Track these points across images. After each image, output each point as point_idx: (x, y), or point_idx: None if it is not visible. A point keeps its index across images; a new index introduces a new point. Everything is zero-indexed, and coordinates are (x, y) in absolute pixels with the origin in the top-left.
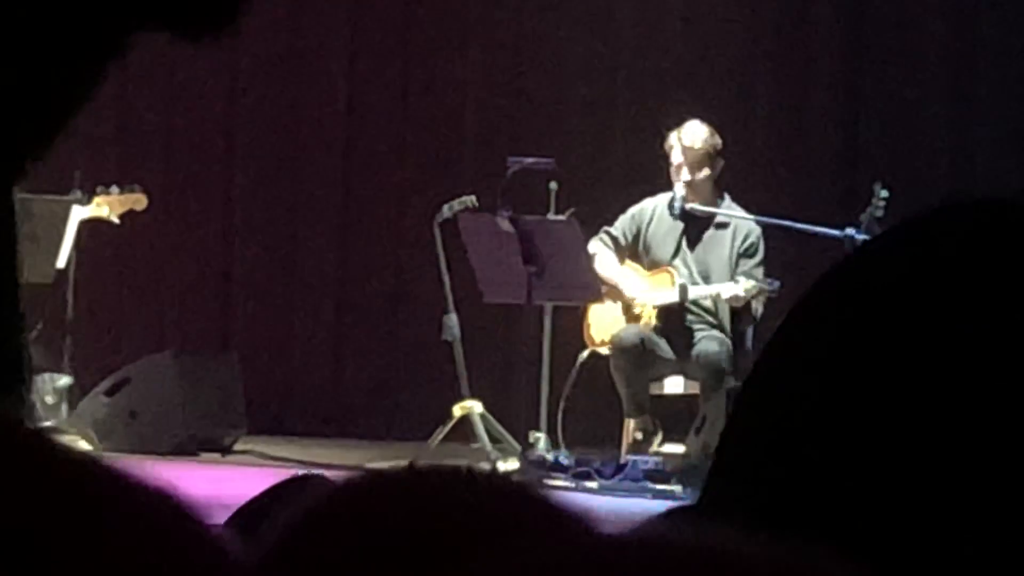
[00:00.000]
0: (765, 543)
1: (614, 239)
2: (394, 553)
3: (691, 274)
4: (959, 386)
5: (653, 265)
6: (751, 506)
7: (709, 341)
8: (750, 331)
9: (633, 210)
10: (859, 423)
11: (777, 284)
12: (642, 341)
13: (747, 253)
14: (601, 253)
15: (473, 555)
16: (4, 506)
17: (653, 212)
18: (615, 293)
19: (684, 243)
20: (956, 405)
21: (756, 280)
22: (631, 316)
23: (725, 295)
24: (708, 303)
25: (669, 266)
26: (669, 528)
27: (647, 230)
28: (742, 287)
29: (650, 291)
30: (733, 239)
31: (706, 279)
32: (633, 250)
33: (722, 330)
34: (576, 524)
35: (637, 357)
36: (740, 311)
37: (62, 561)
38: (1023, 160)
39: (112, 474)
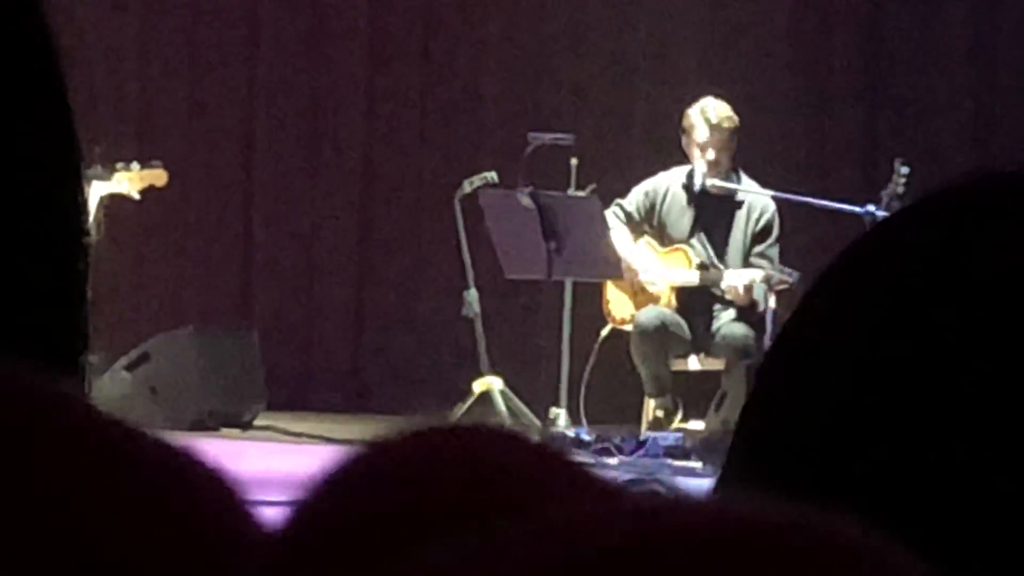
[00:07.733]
0: (786, 507)
1: (627, 214)
2: (421, 512)
3: (706, 253)
4: (986, 357)
5: (667, 242)
6: (772, 482)
7: (734, 324)
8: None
9: (647, 186)
10: (885, 397)
11: (796, 275)
12: (663, 323)
13: (762, 233)
14: (615, 228)
15: (506, 515)
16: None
17: (667, 189)
18: (629, 271)
19: (699, 222)
20: (985, 375)
21: (771, 261)
22: (643, 296)
23: (728, 283)
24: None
25: (685, 244)
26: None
27: (661, 207)
28: (746, 279)
29: (665, 271)
30: (748, 218)
31: (721, 258)
32: (646, 226)
33: (743, 310)
34: (608, 490)
35: (658, 339)
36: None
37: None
38: None
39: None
